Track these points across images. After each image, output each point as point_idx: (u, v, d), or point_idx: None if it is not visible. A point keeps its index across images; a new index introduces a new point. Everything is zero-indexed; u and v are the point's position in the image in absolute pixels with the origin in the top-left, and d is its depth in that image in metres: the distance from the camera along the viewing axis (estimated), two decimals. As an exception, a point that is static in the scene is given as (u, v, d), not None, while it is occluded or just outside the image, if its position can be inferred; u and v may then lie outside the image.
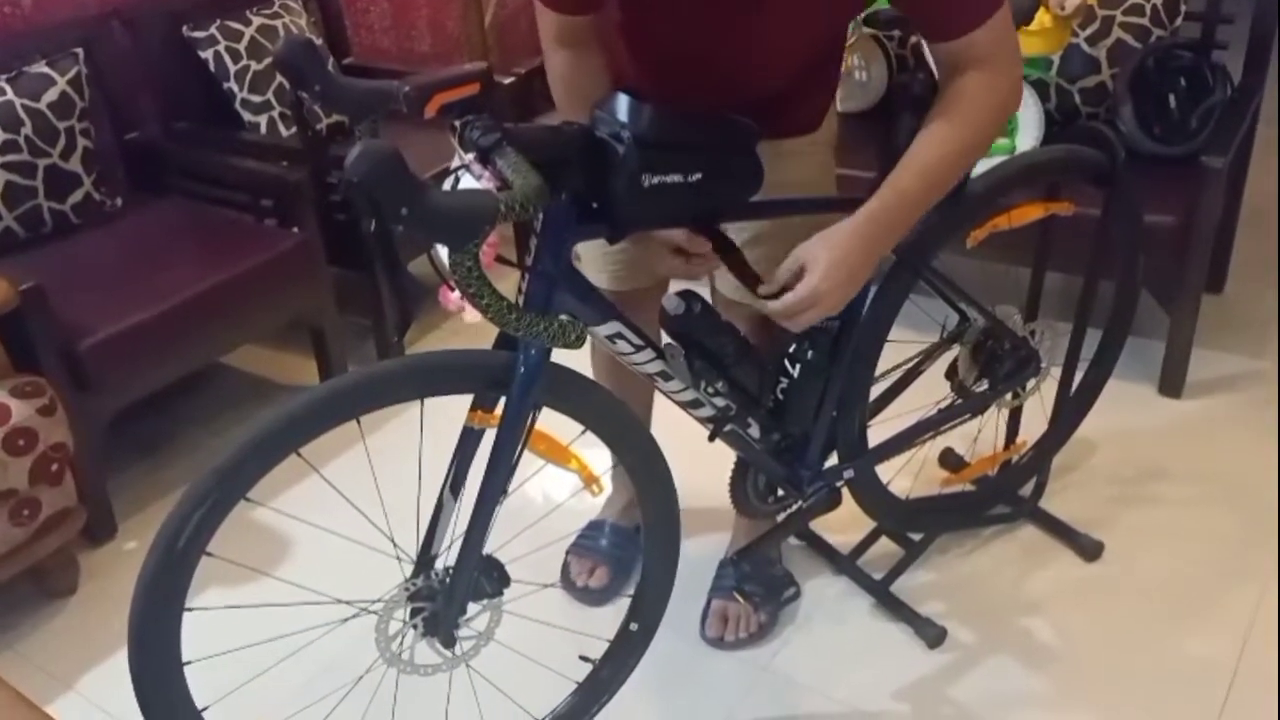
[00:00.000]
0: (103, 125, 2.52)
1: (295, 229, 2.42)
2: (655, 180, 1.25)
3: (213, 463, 1.20)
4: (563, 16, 1.40)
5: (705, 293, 1.54)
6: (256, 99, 2.69)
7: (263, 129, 2.70)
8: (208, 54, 2.64)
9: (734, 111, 1.35)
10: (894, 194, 1.31)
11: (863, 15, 1.45)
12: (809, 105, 1.52)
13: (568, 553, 1.98)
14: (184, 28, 2.64)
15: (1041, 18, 2.27)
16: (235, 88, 2.67)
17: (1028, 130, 2.41)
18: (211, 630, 1.35)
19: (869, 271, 1.34)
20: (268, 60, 2.68)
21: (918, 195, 1.32)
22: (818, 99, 1.53)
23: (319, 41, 2.90)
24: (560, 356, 1.28)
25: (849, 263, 1.29)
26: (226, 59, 2.65)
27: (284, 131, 2.72)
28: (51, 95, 2.34)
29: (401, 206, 1.01)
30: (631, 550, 1.95)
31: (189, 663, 1.27)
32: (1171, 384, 2.41)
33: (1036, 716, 1.69)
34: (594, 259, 1.68)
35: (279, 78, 2.67)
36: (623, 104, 1.25)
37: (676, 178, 1.27)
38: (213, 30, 2.65)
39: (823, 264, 1.28)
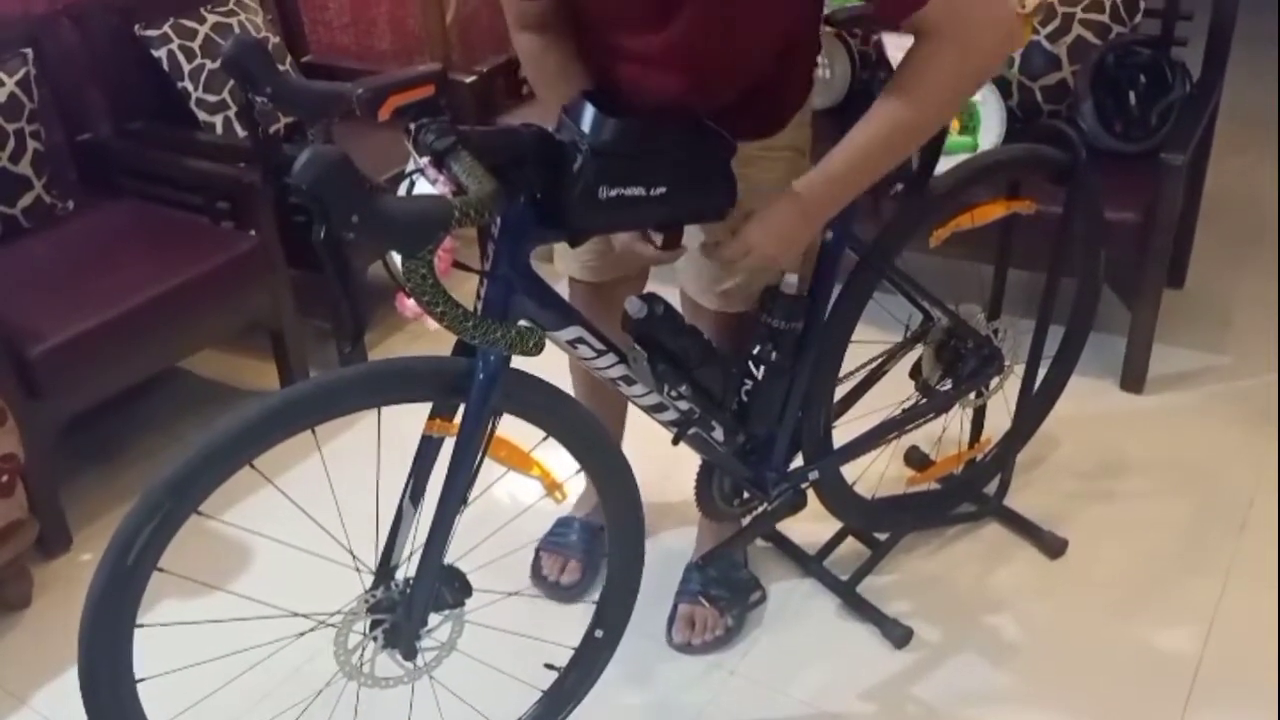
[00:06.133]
0: (53, 127, 2.46)
1: (252, 231, 2.38)
2: (614, 193, 1.23)
3: (162, 475, 1.17)
4: (523, 2, 1.39)
5: (669, 295, 1.52)
6: (212, 98, 2.64)
7: (218, 129, 2.65)
8: (161, 53, 2.59)
9: (702, 112, 1.32)
10: (824, 180, 1.37)
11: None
12: (772, 107, 1.50)
13: (538, 549, 1.97)
14: (136, 26, 2.58)
15: (1002, 15, 2.27)
16: (190, 87, 2.62)
17: (990, 128, 2.41)
18: (166, 646, 1.32)
19: (809, 234, 1.44)
20: (223, 59, 2.64)
21: (853, 176, 1.37)
22: (785, 100, 1.51)
23: (276, 40, 2.85)
24: (533, 364, 1.26)
25: (783, 234, 1.39)
26: (180, 58, 2.60)
27: (240, 131, 2.67)
28: (-1, 96, 2.28)
29: (351, 214, 0.98)
30: (602, 548, 1.93)
31: (142, 680, 1.25)
32: (1133, 379, 2.42)
33: (1003, 713, 1.69)
34: (566, 250, 1.66)
35: (234, 76, 2.63)
36: (587, 114, 1.22)
37: (638, 190, 1.25)
38: (166, 29, 2.60)
39: (755, 237, 1.38)
